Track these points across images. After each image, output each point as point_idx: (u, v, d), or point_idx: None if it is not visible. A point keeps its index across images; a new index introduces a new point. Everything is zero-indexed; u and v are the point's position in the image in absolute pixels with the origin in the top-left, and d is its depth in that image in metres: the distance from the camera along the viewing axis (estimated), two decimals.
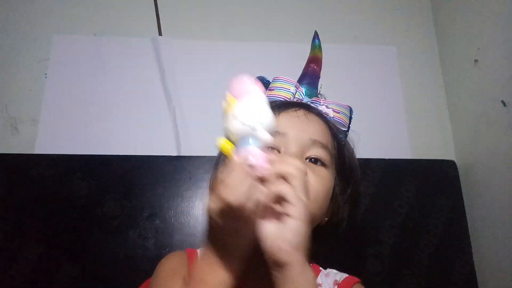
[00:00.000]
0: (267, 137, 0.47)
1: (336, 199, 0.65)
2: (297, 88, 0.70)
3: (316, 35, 0.79)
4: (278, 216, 0.46)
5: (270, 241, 0.45)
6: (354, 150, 0.73)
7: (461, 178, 1.02)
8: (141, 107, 1.06)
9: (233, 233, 0.47)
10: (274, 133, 0.59)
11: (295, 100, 0.69)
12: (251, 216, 0.45)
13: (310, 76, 0.74)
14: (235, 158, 0.45)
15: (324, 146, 0.63)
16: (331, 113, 0.68)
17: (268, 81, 0.72)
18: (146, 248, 0.89)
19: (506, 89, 0.90)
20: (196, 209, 0.93)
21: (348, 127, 0.71)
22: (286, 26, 1.17)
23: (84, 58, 1.08)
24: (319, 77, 0.74)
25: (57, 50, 1.08)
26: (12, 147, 0.99)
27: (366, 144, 1.07)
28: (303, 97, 0.70)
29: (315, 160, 0.62)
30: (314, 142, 0.62)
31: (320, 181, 0.60)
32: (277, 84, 0.70)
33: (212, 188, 0.47)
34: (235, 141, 0.47)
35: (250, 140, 0.46)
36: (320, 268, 0.69)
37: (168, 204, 0.92)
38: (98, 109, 1.05)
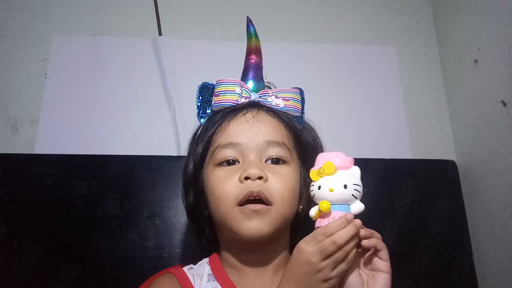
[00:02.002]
0: (361, 206, 0.57)
1: (307, 185, 0.64)
2: (242, 87, 0.68)
3: (249, 22, 0.75)
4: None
5: None
6: (313, 126, 0.73)
7: (461, 178, 1.02)
8: (141, 107, 1.06)
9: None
10: (229, 144, 0.63)
11: (243, 99, 0.67)
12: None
13: (253, 69, 0.72)
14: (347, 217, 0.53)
15: (280, 144, 0.63)
16: (281, 103, 0.67)
17: (213, 85, 0.70)
18: (146, 248, 0.89)
19: (506, 89, 0.90)
20: None
21: (302, 110, 0.70)
22: (286, 26, 1.17)
23: (84, 58, 1.08)
24: (262, 68, 0.73)
25: (57, 50, 1.08)
26: (12, 147, 0.99)
27: (366, 144, 1.09)
28: (250, 93, 0.68)
29: (276, 160, 0.62)
30: (269, 143, 0.62)
31: (284, 181, 0.61)
32: (221, 88, 0.68)
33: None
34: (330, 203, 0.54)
35: (349, 206, 0.55)
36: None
37: (168, 204, 0.92)
38: (98, 109, 1.05)
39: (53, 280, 0.85)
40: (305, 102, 0.70)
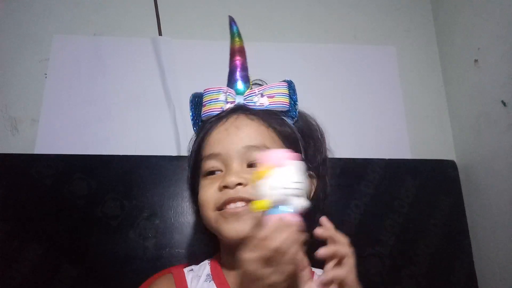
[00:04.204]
0: (303, 203, 0.51)
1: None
2: (226, 92, 0.68)
3: (232, 21, 0.75)
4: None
5: None
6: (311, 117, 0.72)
7: (461, 178, 1.02)
8: (141, 107, 1.06)
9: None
10: (210, 155, 0.64)
11: (228, 104, 0.67)
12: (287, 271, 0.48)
13: (239, 70, 0.71)
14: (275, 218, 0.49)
15: (259, 147, 0.62)
16: (266, 102, 0.67)
17: (202, 94, 0.71)
18: (146, 248, 0.89)
19: (506, 89, 0.90)
20: None
21: (291, 103, 0.68)
22: (286, 26, 1.17)
23: (84, 58, 1.08)
24: (247, 68, 0.72)
25: (57, 50, 1.08)
26: (12, 147, 0.99)
27: (366, 144, 1.09)
28: (235, 98, 0.68)
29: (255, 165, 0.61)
30: (248, 148, 0.62)
31: None
32: (207, 98, 0.69)
33: (247, 239, 0.50)
34: (269, 205, 0.50)
35: (287, 206, 0.50)
36: (313, 269, 0.67)
37: (168, 204, 0.92)
38: (98, 109, 1.05)
39: (53, 280, 0.85)
40: (299, 95, 0.69)
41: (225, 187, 0.60)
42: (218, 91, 0.68)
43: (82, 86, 1.06)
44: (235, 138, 0.63)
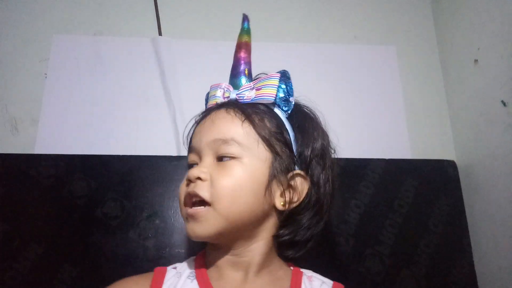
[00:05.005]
0: None
1: (279, 178, 0.62)
2: (224, 88, 0.68)
3: (245, 19, 0.75)
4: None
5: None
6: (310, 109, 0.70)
7: (461, 178, 1.02)
8: (141, 107, 1.06)
9: None
10: (190, 148, 0.67)
11: (225, 100, 0.68)
12: None
13: (242, 65, 0.70)
14: None
15: (225, 141, 0.61)
16: (253, 95, 0.65)
17: None
18: (146, 248, 0.89)
19: (506, 89, 0.90)
20: None
21: (280, 94, 0.65)
22: (286, 26, 1.17)
23: (84, 58, 1.08)
24: (249, 63, 0.71)
25: (57, 50, 1.08)
26: (12, 147, 0.99)
27: (366, 144, 1.09)
28: (230, 93, 0.68)
29: (224, 158, 0.61)
30: (215, 142, 0.62)
31: (226, 177, 0.59)
32: (210, 93, 0.71)
33: None
34: None
35: None
36: (301, 270, 0.67)
37: (168, 204, 0.92)
38: (98, 109, 1.05)
39: (53, 280, 0.85)
40: (299, 95, 0.67)
41: (189, 180, 0.61)
42: (217, 87, 0.69)
43: (82, 86, 1.06)
44: (207, 131, 0.63)
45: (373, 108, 1.12)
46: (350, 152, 1.01)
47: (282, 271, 0.65)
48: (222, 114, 0.64)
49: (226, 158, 0.61)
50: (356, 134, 1.09)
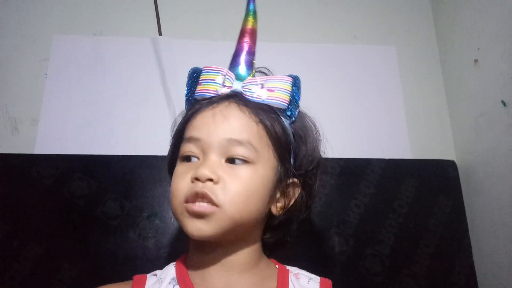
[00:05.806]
0: None
1: (284, 185, 0.62)
2: (226, 75, 0.63)
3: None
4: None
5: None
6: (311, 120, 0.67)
7: (461, 178, 1.02)
8: (141, 107, 1.06)
9: None
10: (190, 138, 0.60)
11: (225, 89, 0.62)
12: None
13: (244, 54, 0.66)
14: None
15: (242, 143, 0.57)
16: (263, 95, 0.61)
17: (200, 71, 0.66)
18: (146, 248, 0.89)
19: (506, 89, 0.90)
20: None
21: (291, 101, 0.62)
22: (286, 26, 1.17)
23: (84, 58, 1.08)
24: (254, 53, 0.66)
25: (57, 50, 1.08)
26: (12, 147, 0.99)
27: (366, 144, 1.09)
28: (233, 83, 0.63)
29: (237, 161, 0.58)
30: (230, 141, 0.58)
31: (240, 183, 0.57)
32: (204, 76, 0.64)
33: None
34: None
35: None
36: (287, 267, 0.66)
37: (168, 204, 0.92)
38: (98, 109, 1.05)
39: (53, 280, 0.85)
40: (302, 95, 0.64)
41: (197, 179, 0.56)
42: (217, 72, 0.64)
43: (82, 86, 1.06)
44: (220, 128, 0.58)
45: (373, 108, 1.12)
46: (350, 152, 1.02)
47: (268, 270, 0.64)
48: (235, 111, 0.60)
49: (238, 161, 0.57)
50: (356, 134, 1.09)
